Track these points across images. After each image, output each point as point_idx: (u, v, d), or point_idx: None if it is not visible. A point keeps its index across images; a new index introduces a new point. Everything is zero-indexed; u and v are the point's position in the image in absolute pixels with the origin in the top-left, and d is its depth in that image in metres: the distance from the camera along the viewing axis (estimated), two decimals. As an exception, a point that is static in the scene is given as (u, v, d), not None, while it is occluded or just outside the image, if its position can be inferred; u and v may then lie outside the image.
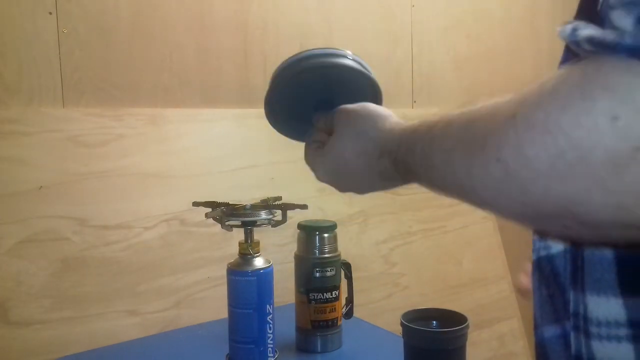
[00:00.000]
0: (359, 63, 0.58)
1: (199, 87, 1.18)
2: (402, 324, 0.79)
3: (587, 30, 0.28)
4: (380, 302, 1.42)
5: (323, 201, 1.33)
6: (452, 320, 0.79)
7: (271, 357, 0.87)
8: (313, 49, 0.57)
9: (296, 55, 0.57)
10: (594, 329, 0.36)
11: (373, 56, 1.43)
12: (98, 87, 1.06)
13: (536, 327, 0.41)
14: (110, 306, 1.07)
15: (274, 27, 1.27)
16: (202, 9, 1.17)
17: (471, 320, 0.78)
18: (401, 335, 0.80)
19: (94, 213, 1.04)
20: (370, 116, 0.50)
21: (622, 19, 0.26)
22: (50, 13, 1.00)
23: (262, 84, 1.27)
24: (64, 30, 1.01)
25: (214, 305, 1.17)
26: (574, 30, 0.28)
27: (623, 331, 0.35)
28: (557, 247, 0.38)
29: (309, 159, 0.56)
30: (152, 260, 1.11)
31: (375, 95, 0.58)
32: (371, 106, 0.52)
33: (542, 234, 0.36)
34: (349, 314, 1.00)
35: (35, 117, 0.99)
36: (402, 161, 0.44)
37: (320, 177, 0.55)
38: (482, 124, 0.33)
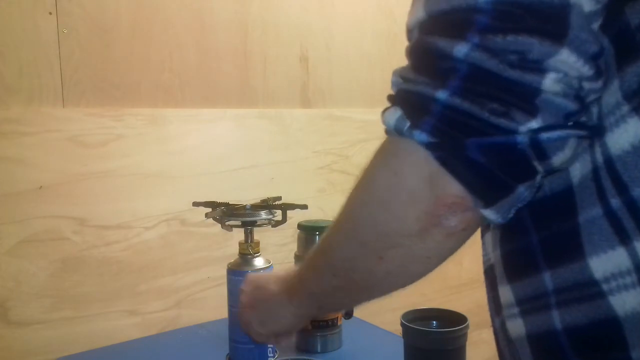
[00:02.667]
0: None
1: (199, 87, 1.18)
2: (402, 324, 0.79)
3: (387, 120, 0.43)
4: (380, 302, 1.41)
5: (323, 201, 1.33)
6: (452, 320, 0.79)
7: (271, 357, 0.87)
8: None
9: None
10: (504, 312, 0.45)
11: (373, 56, 1.43)
12: (98, 87, 1.06)
13: (491, 318, 0.51)
14: (110, 306, 1.07)
15: (274, 27, 1.27)
16: (202, 9, 1.17)
17: (471, 320, 0.78)
18: (401, 335, 0.81)
19: (94, 213, 1.04)
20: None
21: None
22: (50, 13, 1.00)
23: (262, 84, 1.27)
24: (64, 30, 1.01)
25: (214, 305, 1.17)
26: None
27: (515, 309, 0.44)
28: (494, 258, 0.48)
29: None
30: (152, 260, 1.11)
31: None
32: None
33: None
34: (349, 314, 1.00)
35: (35, 117, 0.99)
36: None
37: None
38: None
